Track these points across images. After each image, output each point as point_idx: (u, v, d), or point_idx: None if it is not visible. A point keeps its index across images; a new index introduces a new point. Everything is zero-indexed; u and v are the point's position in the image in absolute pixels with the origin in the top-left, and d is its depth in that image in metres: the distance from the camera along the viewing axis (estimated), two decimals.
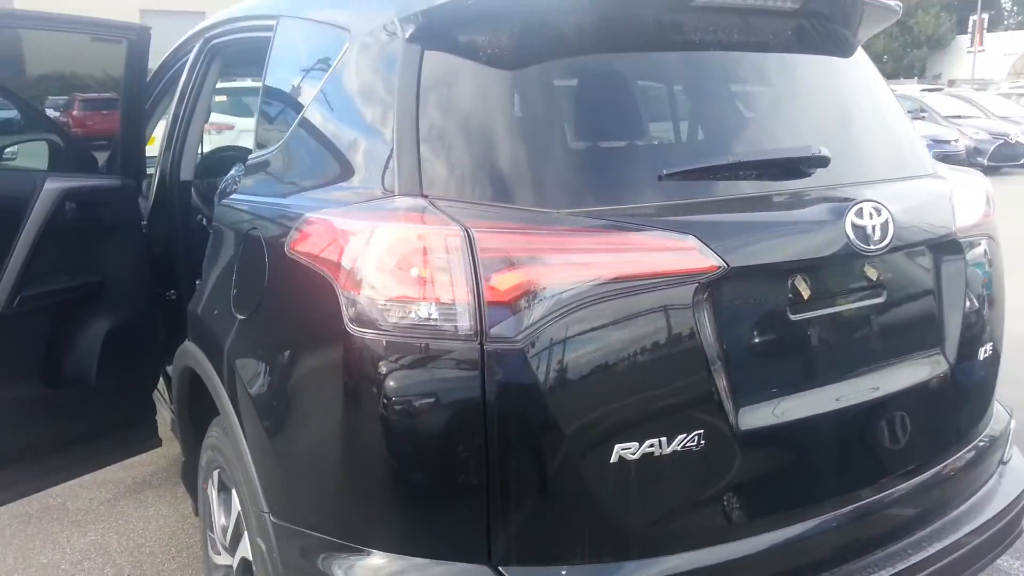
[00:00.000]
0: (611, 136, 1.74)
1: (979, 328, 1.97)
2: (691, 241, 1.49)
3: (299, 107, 1.92)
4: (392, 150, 1.56)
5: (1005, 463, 2.13)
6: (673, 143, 1.79)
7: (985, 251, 2.03)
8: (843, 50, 2.05)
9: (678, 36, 1.77)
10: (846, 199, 1.67)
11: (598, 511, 1.48)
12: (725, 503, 1.58)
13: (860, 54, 2.10)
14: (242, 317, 1.87)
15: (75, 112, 7.47)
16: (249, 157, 2.15)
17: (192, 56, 2.87)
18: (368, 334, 1.43)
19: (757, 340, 1.63)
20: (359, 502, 1.54)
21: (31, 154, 3.17)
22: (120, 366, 2.78)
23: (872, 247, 1.66)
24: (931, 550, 1.78)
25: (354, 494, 1.54)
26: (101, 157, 2.97)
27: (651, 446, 1.47)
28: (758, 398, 1.60)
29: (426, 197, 1.50)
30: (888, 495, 1.78)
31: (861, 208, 1.66)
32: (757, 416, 1.58)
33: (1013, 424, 2.21)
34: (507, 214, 1.48)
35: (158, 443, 3.10)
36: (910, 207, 1.80)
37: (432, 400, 1.43)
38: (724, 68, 1.85)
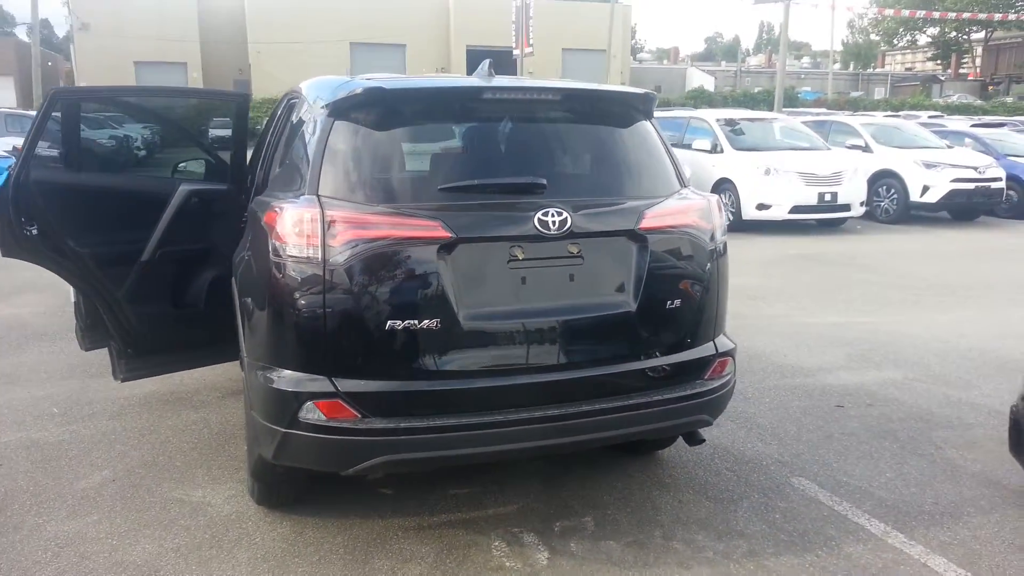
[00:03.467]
0: (415, 167, 3.18)
1: (662, 288, 3.17)
2: (437, 222, 2.89)
3: (288, 144, 3.52)
4: (309, 170, 3.08)
5: (698, 380, 3.31)
6: (455, 171, 3.18)
7: (680, 242, 3.23)
8: (605, 118, 3.37)
9: (473, 112, 3.21)
10: (541, 206, 2.99)
11: (379, 353, 2.89)
12: (454, 359, 2.95)
13: (630, 121, 3.38)
14: (245, 258, 3.46)
15: None
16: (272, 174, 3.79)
17: (280, 108, 4.55)
18: (280, 259, 2.95)
19: (479, 277, 2.97)
20: (273, 344, 3.04)
21: (196, 167, 4.99)
22: (218, 300, 4.43)
23: (552, 232, 2.96)
24: (597, 407, 3.05)
25: (270, 339, 3.05)
26: None
27: (409, 323, 2.87)
28: (476, 308, 2.94)
29: (319, 196, 2.99)
30: (571, 374, 3.06)
31: (548, 211, 2.98)
32: (475, 317, 2.93)
33: (718, 363, 3.37)
34: (349, 205, 2.93)
35: None
36: (594, 212, 3.09)
37: (303, 290, 2.89)
38: (501, 128, 3.25)
